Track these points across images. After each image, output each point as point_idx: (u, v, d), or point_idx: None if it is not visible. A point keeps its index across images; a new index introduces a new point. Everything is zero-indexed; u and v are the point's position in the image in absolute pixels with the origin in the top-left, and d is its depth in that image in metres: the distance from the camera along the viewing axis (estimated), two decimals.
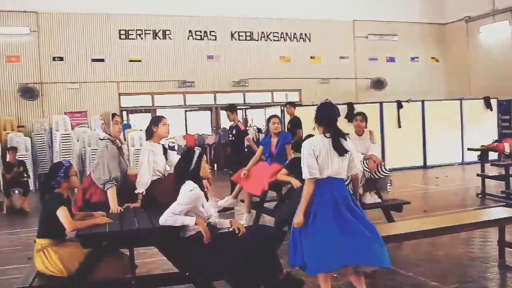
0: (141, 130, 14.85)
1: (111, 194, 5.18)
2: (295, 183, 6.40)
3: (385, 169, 7.28)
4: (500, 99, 17.34)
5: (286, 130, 11.96)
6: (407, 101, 16.41)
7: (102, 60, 17.39)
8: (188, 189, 4.54)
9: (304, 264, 4.47)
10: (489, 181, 10.53)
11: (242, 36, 19.06)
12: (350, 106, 15.22)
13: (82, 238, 4.34)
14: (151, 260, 6.20)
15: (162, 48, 18.07)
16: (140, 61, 17.80)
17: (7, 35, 16.37)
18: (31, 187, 13.86)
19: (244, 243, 4.50)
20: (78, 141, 14.89)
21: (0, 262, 6.94)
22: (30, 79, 16.58)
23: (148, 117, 15.77)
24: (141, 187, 5.36)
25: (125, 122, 17.73)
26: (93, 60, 17.29)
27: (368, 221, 4.47)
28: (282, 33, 19.55)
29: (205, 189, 4.96)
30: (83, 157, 14.65)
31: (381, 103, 16.15)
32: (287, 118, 12.72)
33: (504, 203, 9.18)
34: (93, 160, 5.28)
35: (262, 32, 19.30)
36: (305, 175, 4.46)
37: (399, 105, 16.05)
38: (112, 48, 17.50)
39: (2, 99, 16.33)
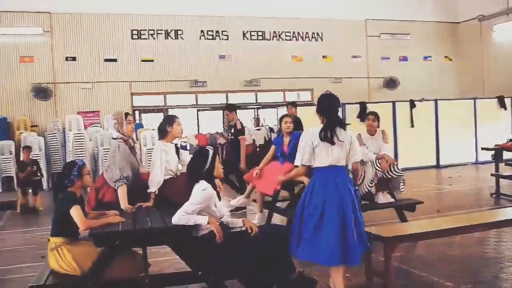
0: (153, 130, 14.91)
1: (121, 192, 5.19)
2: (307, 182, 6.37)
3: (398, 168, 7.24)
4: None
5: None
6: (420, 100, 16.32)
7: (115, 60, 17.47)
8: (201, 188, 4.54)
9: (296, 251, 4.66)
10: (503, 181, 10.44)
11: (254, 35, 19.06)
12: (363, 105, 15.17)
13: (95, 237, 4.36)
14: (164, 259, 6.21)
15: (174, 48, 18.11)
16: (152, 61, 17.86)
17: (21, 36, 16.49)
18: (44, 186, 14.00)
19: (257, 242, 4.49)
20: (91, 140, 14.97)
21: (14, 260, 6.99)
22: (43, 79, 16.69)
23: (160, 116, 15.81)
24: (153, 186, 5.37)
25: (137, 121, 17.79)
26: (106, 60, 17.37)
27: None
28: (294, 32, 19.51)
29: (218, 189, 4.95)
30: (96, 156, 14.73)
31: (393, 103, 16.07)
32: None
33: None
34: (106, 159, 5.30)
35: (274, 32, 19.28)
36: (297, 161, 4.77)
37: (412, 104, 15.96)
38: (125, 48, 17.57)
39: (16, 99, 16.45)
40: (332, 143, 4.63)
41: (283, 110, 16.49)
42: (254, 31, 19.05)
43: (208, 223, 4.45)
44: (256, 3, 18.34)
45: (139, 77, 17.73)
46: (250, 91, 19.17)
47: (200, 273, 4.69)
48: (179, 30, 18.17)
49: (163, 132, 5.72)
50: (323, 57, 19.86)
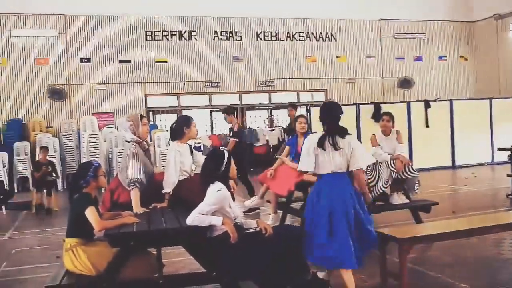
0: (167, 131, 14.96)
1: (134, 196, 5.19)
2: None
3: (413, 169, 7.19)
4: None
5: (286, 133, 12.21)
6: (434, 101, 16.21)
7: (129, 62, 17.56)
8: (215, 189, 4.54)
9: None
10: None
11: (268, 36, 19.05)
12: (377, 106, 15.09)
13: (110, 238, 4.37)
14: (178, 259, 6.22)
15: (188, 49, 18.16)
16: (166, 62, 17.93)
17: (36, 38, 16.64)
18: (60, 187, 14.11)
19: (271, 243, 4.48)
20: (105, 141, 15.06)
21: (30, 261, 7.05)
22: (58, 80, 16.82)
23: (173, 117, 15.86)
24: (168, 187, 5.37)
25: (151, 122, 17.86)
26: (120, 61, 17.47)
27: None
28: (307, 32, 19.48)
29: (232, 190, 4.95)
30: (110, 157, 14.82)
31: (408, 103, 15.99)
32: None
33: None
34: (120, 160, 5.30)
35: (288, 32, 19.26)
36: (299, 167, 4.97)
37: (427, 104, 15.86)
38: (139, 50, 17.65)
39: (31, 101, 16.59)
40: (333, 149, 4.73)
41: (297, 111, 16.46)
42: (268, 32, 19.05)
43: (222, 224, 4.44)
44: (270, 4, 18.33)
45: (153, 78, 17.80)
46: (264, 92, 19.17)
47: (214, 274, 4.69)
48: (193, 31, 18.22)
49: (179, 133, 5.69)
50: (337, 57, 19.80)
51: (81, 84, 17.09)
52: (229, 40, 18.62)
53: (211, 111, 19.71)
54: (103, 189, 5.55)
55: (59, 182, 13.93)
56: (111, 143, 14.85)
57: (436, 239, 5.66)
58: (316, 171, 4.85)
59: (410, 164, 7.25)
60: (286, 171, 7.63)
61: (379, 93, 20.08)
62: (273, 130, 17.77)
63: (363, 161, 4.89)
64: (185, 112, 17.44)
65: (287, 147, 8.02)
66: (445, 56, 21.34)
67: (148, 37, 17.74)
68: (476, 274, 5.57)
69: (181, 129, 5.70)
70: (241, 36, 18.74)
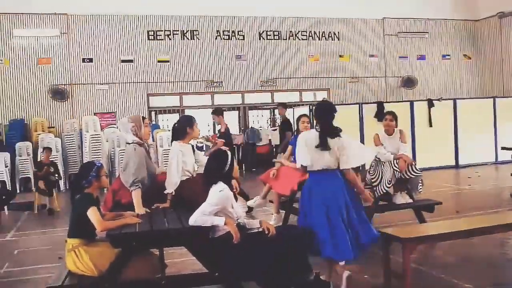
0: (169, 131, 14.93)
1: (136, 197, 5.16)
2: None
3: (416, 169, 7.16)
4: None
5: (278, 132, 12.32)
6: (438, 100, 16.17)
7: (131, 61, 17.54)
8: (218, 189, 4.53)
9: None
10: None
11: (270, 35, 19.02)
12: (380, 105, 15.05)
13: (113, 238, 4.36)
14: (181, 260, 6.20)
15: (190, 48, 18.14)
16: (168, 61, 17.91)
17: (38, 37, 16.63)
18: (62, 187, 14.10)
19: (274, 243, 4.46)
20: (107, 141, 15.05)
21: (32, 261, 7.04)
22: (60, 80, 16.81)
23: (176, 117, 15.85)
24: (170, 187, 5.36)
25: (153, 122, 17.86)
26: (122, 61, 17.45)
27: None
28: (310, 32, 19.44)
29: (234, 190, 4.93)
30: (112, 157, 14.80)
31: (411, 102, 15.96)
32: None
33: None
34: (122, 160, 5.28)
35: (290, 31, 19.23)
36: (298, 163, 5.14)
37: (430, 103, 15.81)
38: (141, 49, 17.64)
39: (33, 101, 16.59)
40: (323, 148, 4.91)
41: (299, 110, 16.46)
42: (270, 31, 19.02)
43: (225, 224, 4.43)
44: (272, 3, 18.29)
45: (155, 78, 17.79)
46: (266, 91, 19.14)
47: (217, 274, 4.67)
48: (195, 30, 18.21)
49: (182, 133, 5.68)
50: (340, 56, 19.75)
51: (83, 84, 17.08)
52: (231, 39, 18.60)
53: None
54: (105, 189, 5.53)
55: (61, 182, 13.92)
56: (113, 143, 14.83)
57: (439, 239, 5.63)
58: (310, 167, 5.03)
59: (414, 163, 7.22)
60: (289, 171, 7.60)
61: (382, 92, 20.05)
62: (275, 129, 17.73)
63: (353, 161, 5.02)
64: (187, 112, 17.44)
65: (289, 147, 7.99)
66: (449, 55, 21.27)
67: (150, 36, 17.72)
68: (480, 274, 5.54)
69: (183, 129, 5.68)
70: (243, 36, 18.72)
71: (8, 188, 13.43)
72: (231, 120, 19.51)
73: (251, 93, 18.97)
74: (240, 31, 18.66)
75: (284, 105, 12.66)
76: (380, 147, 7.22)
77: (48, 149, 11.84)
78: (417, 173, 7.15)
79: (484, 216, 7.34)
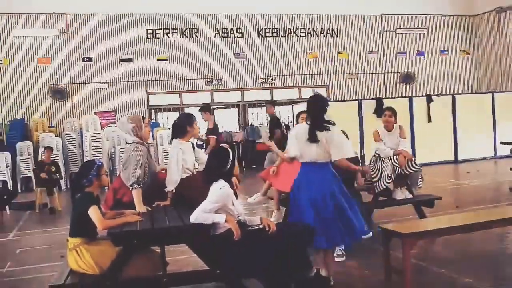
0: (169, 129, 14.95)
1: (136, 196, 5.18)
2: None
3: (416, 164, 7.17)
4: None
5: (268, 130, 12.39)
6: (437, 95, 16.19)
7: (130, 60, 17.56)
8: (218, 187, 4.54)
9: None
10: None
11: (269, 33, 19.03)
12: (379, 101, 15.07)
13: (114, 236, 4.38)
14: (182, 257, 6.22)
15: (190, 46, 18.16)
16: (167, 60, 17.93)
17: (38, 37, 16.65)
18: (63, 186, 14.13)
19: (274, 240, 4.48)
20: (107, 140, 15.06)
21: (34, 260, 7.07)
22: (60, 80, 16.84)
23: (175, 115, 15.84)
24: (170, 185, 5.36)
25: (153, 120, 17.88)
26: (122, 60, 17.47)
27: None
28: (308, 29, 19.45)
29: (234, 187, 4.95)
30: (113, 156, 14.82)
31: (410, 98, 15.97)
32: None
33: None
34: (122, 159, 5.27)
35: (289, 28, 19.24)
36: (288, 153, 5.30)
37: (429, 99, 15.83)
38: (140, 48, 17.65)
39: (33, 100, 16.61)
40: (312, 141, 5.01)
41: (299, 107, 16.46)
42: (269, 28, 19.03)
43: (225, 221, 4.45)
44: (270, 1, 18.31)
45: (154, 76, 17.81)
46: (266, 88, 19.15)
47: (218, 271, 4.69)
48: (194, 28, 18.22)
49: (182, 131, 5.68)
50: (339, 53, 19.78)
51: (83, 83, 17.10)
52: (230, 37, 18.61)
53: (213, 109, 19.68)
54: (105, 188, 5.54)
55: (62, 181, 13.94)
56: (113, 142, 14.85)
57: (439, 234, 5.65)
58: (300, 159, 5.17)
59: (413, 159, 7.24)
60: (289, 168, 7.60)
61: (381, 88, 20.08)
62: None
63: (340, 152, 5.05)
64: (187, 110, 17.44)
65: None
66: (447, 51, 21.28)
67: (149, 35, 17.74)
68: (480, 269, 5.55)
69: (184, 127, 5.68)
70: (242, 33, 18.73)
71: (9, 188, 13.45)
72: (231, 117, 19.56)
73: (250, 91, 18.99)
74: (239, 28, 18.67)
75: (273, 103, 12.73)
76: (380, 142, 7.23)
77: (49, 149, 11.85)
78: (417, 169, 7.16)
79: (484, 211, 7.36)
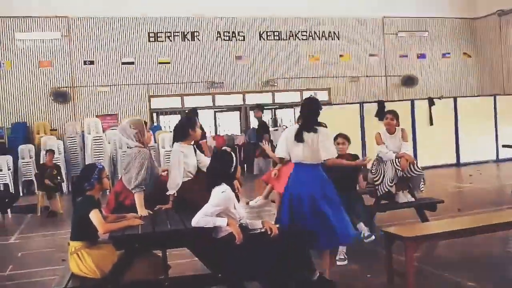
0: (171, 132, 14.94)
1: (138, 199, 5.17)
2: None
3: (418, 167, 7.16)
4: None
5: (256, 133, 12.42)
6: (439, 98, 16.17)
7: (132, 63, 17.57)
8: (220, 190, 4.53)
9: None
10: None
11: (270, 36, 19.03)
12: (381, 104, 15.06)
13: (115, 240, 4.37)
14: (184, 261, 6.20)
15: (191, 49, 18.16)
16: (169, 63, 17.94)
17: (40, 40, 16.68)
18: (64, 189, 14.11)
19: (276, 244, 4.47)
20: (109, 143, 15.06)
21: (36, 264, 7.05)
22: (61, 83, 16.85)
23: (177, 118, 15.83)
24: (172, 189, 5.36)
25: (155, 124, 17.88)
26: (123, 63, 17.48)
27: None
28: (310, 32, 19.45)
29: (236, 190, 4.94)
30: (114, 159, 14.81)
31: (412, 101, 15.96)
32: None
33: None
34: (124, 162, 5.27)
35: (290, 32, 19.23)
36: (276, 153, 5.50)
37: (431, 102, 15.81)
38: (142, 51, 17.66)
39: (35, 103, 16.62)
40: (298, 140, 5.15)
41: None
42: (271, 31, 19.03)
43: (227, 225, 4.44)
44: (272, 4, 18.29)
45: (156, 79, 17.81)
46: (267, 92, 19.15)
47: (220, 275, 4.68)
48: (196, 31, 18.22)
49: (185, 135, 5.67)
50: (340, 56, 19.76)
51: (85, 86, 17.12)
52: (231, 40, 18.61)
53: (215, 112, 19.71)
54: (107, 191, 5.53)
55: (64, 184, 13.92)
56: (115, 145, 14.84)
57: (442, 237, 5.63)
58: (286, 156, 5.35)
59: (415, 162, 7.22)
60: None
61: (383, 91, 20.05)
62: (276, 130, 17.73)
63: (328, 152, 5.15)
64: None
65: None
66: (449, 53, 21.26)
67: (151, 38, 17.75)
68: (483, 272, 5.53)
69: (186, 130, 5.68)
70: (243, 36, 18.73)
71: (11, 191, 13.45)
72: (232, 120, 19.57)
73: (251, 94, 18.97)
74: (240, 32, 18.67)
75: (261, 108, 12.73)
76: (382, 146, 7.22)
77: (50, 152, 11.85)
78: (419, 172, 7.14)
79: (486, 214, 7.33)
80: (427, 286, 5.23)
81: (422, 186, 7.29)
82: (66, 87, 16.85)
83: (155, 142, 14.73)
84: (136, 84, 17.59)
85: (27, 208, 11.49)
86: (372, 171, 7.19)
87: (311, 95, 5.63)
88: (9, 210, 10.84)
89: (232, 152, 4.88)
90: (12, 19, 16.37)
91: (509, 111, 16.23)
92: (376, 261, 5.79)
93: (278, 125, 18.78)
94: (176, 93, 18.13)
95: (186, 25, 18.12)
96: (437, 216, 7.36)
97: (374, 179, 7.10)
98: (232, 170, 4.70)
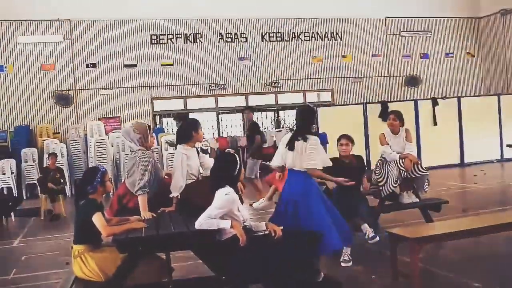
0: (174, 134, 14.94)
1: (142, 201, 5.16)
2: (330, 184, 6.34)
3: (422, 168, 7.13)
4: None
5: (246, 136, 12.44)
6: (442, 98, 16.13)
7: (135, 66, 17.58)
8: (224, 193, 4.51)
9: None
10: None
11: (273, 37, 19.03)
12: (384, 104, 15.03)
13: (119, 243, 4.34)
14: (187, 263, 6.19)
15: (194, 51, 18.18)
16: (171, 65, 17.94)
17: (42, 44, 16.70)
18: (67, 192, 14.11)
19: (280, 246, 4.44)
20: (112, 146, 15.06)
21: (40, 267, 7.05)
22: (64, 86, 16.88)
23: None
24: (175, 191, 5.34)
25: (158, 126, 17.88)
26: (126, 65, 17.49)
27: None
28: (312, 32, 19.44)
29: (240, 192, 4.92)
30: (117, 162, 14.81)
31: (415, 101, 15.93)
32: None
33: None
34: (127, 164, 5.26)
35: (293, 33, 19.23)
36: (271, 164, 5.77)
37: (434, 102, 15.77)
38: (144, 53, 17.67)
39: (38, 106, 16.65)
40: (288, 148, 5.38)
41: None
42: (273, 33, 19.03)
43: (231, 227, 4.41)
44: (274, 5, 18.30)
45: (159, 81, 17.83)
46: (270, 93, 19.14)
47: (223, 277, 4.66)
48: (198, 33, 18.23)
49: (188, 137, 5.65)
50: (343, 56, 19.74)
51: (87, 89, 17.13)
52: (234, 41, 18.61)
53: (217, 113, 19.70)
54: (110, 193, 5.52)
55: (67, 188, 13.93)
56: (118, 147, 14.85)
57: (447, 238, 5.60)
58: (281, 165, 5.59)
59: (419, 162, 7.19)
60: None
61: (386, 91, 20.03)
62: (280, 131, 17.73)
63: (310, 162, 5.27)
64: (192, 115, 17.43)
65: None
66: (452, 53, 21.23)
67: (153, 40, 17.76)
68: (489, 272, 5.49)
69: (189, 132, 5.65)
70: (246, 38, 18.73)
71: (14, 194, 13.46)
72: (235, 122, 19.55)
73: (254, 95, 18.97)
74: (243, 33, 18.68)
75: (252, 109, 12.70)
76: (386, 146, 7.19)
77: (53, 155, 11.86)
78: (424, 172, 7.11)
79: (491, 215, 7.29)
80: (432, 287, 5.20)
81: (427, 186, 7.25)
82: (68, 90, 16.87)
83: (158, 144, 14.72)
84: (139, 86, 17.61)
85: (30, 212, 11.51)
86: (376, 172, 7.17)
87: (307, 103, 5.78)
88: (12, 214, 10.85)
89: (235, 154, 4.85)
90: (14, 22, 16.41)
91: None
92: (380, 262, 5.76)
93: (282, 126, 18.74)
94: (179, 95, 18.13)
95: (188, 27, 18.12)
96: (441, 217, 7.32)
97: (378, 180, 7.08)
98: (236, 172, 4.68)
